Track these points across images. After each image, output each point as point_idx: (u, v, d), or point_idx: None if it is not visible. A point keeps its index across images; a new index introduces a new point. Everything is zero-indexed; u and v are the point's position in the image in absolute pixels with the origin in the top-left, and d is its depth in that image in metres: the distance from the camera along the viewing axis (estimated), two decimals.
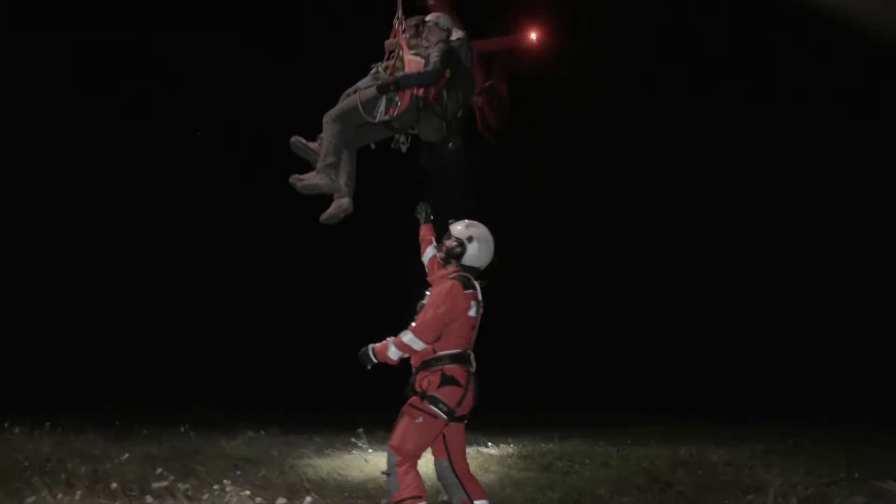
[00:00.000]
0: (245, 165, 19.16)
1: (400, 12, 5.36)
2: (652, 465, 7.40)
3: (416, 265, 5.02)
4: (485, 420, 6.20)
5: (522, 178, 19.46)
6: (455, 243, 4.36)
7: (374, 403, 7.73)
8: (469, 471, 4.31)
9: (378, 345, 4.26)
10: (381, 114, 4.95)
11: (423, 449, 4.15)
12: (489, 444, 9.61)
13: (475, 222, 4.46)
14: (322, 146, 4.98)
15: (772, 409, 14.25)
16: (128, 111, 18.97)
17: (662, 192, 20.47)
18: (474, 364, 4.28)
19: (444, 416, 4.07)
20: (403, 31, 5.29)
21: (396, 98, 4.92)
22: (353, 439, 8.92)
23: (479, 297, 4.29)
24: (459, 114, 5.14)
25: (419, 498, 3.95)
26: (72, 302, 17.96)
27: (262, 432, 9.45)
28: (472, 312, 4.22)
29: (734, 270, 20.36)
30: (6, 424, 7.55)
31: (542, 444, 9.02)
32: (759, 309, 19.68)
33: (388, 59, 5.31)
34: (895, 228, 17.29)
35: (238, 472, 6.26)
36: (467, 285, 4.22)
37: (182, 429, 8.93)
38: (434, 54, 4.95)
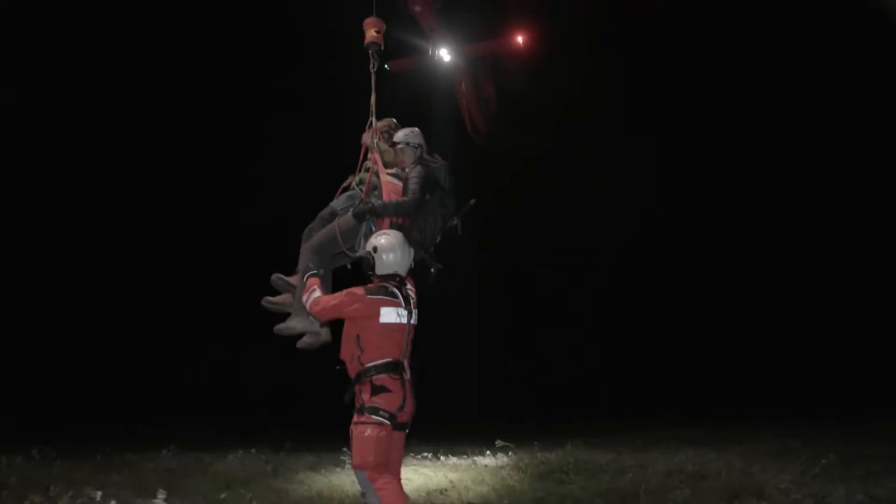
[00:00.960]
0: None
1: (373, 119, 5.37)
2: (645, 475, 7.33)
3: None
4: (480, 429, 6.09)
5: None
6: (366, 257, 4.54)
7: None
8: (400, 483, 4.35)
9: (315, 292, 4.46)
10: (360, 245, 4.88)
11: (385, 457, 4.21)
12: (487, 452, 9.56)
13: (385, 231, 4.62)
14: (299, 279, 4.93)
15: (759, 409, 14.29)
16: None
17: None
18: (408, 371, 4.36)
19: (388, 422, 4.20)
20: (378, 141, 5.26)
21: (374, 226, 4.87)
22: (341, 457, 8.79)
23: (405, 303, 4.40)
24: (438, 238, 5.04)
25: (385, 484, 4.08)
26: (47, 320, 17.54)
27: (253, 451, 9.24)
28: (387, 319, 4.31)
29: (718, 270, 20.38)
30: None
31: (539, 454, 8.91)
32: (746, 307, 19.75)
33: (363, 159, 5.34)
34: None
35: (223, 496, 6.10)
36: (379, 293, 4.35)
37: (166, 451, 8.72)
38: (413, 182, 4.84)
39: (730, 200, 20.18)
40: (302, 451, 9.70)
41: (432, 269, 4.88)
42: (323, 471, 8.19)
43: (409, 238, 4.68)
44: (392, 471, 4.29)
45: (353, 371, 4.35)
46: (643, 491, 6.53)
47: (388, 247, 4.46)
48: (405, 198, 4.78)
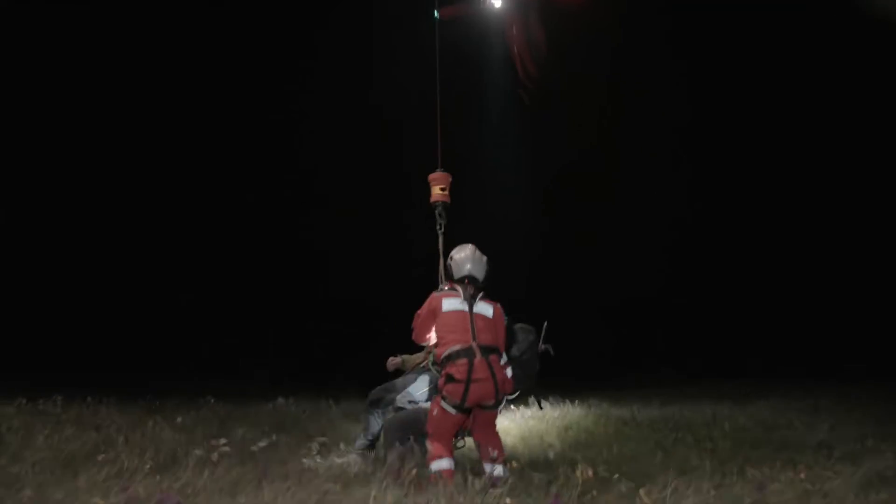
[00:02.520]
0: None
1: (442, 273, 5.62)
2: (682, 424, 7.38)
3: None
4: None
5: None
6: (446, 267, 5.25)
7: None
8: (487, 443, 4.88)
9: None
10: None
11: (445, 432, 4.77)
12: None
13: (461, 245, 5.22)
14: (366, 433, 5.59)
15: (790, 371, 14.27)
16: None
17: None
18: (478, 354, 4.73)
19: (452, 410, 4.72)
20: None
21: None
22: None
23: (465, 295, 4.96)
24: (538, 367, 5.36)
25: (440, 457, 4.66)
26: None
27: (291, 399, 9.41)
28: (449, 306, 4.90)
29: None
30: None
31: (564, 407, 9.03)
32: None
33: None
34: None
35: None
36: (448, 291, 5.01)
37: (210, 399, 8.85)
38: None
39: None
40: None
41: (539, 403, 5.46)
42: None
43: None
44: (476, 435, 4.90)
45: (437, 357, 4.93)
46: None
47: (459, 257, 5.10)
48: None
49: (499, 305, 5.10)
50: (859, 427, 7.04)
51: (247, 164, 20.36)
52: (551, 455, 5.97)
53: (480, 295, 5.03)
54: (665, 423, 7.84)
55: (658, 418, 8.45)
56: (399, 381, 5.73)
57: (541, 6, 6.87)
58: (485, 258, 5.12)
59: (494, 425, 5.03)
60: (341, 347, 18.39)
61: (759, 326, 19.18)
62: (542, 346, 5.42)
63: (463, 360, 4.73)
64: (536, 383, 5.49)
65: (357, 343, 17.71)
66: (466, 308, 4.92)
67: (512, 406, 6.30)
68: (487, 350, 4.83)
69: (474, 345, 4.78)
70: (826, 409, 8.64)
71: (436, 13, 6.64)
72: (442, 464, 4.65)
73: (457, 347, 4.79)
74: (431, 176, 5.78)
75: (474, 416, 4.93)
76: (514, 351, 5.30)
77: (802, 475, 4.46)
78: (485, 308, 4.97)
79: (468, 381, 4.69)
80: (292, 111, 19.60)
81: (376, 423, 5.72)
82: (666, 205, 21.48)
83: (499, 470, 4.78)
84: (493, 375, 4.75)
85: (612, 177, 21.17)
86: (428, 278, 5.79)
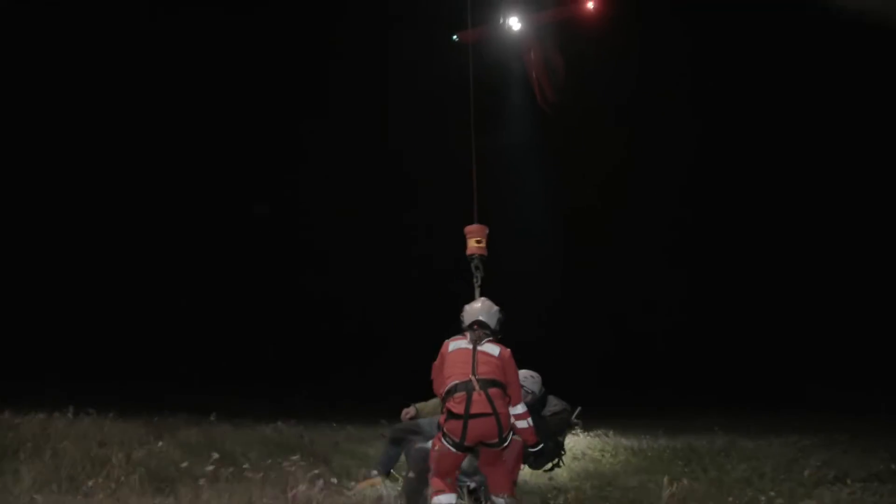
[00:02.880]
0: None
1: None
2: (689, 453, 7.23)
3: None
4: None
5: None
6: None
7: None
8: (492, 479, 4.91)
9: None
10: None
11: (445, 469, 4.75)
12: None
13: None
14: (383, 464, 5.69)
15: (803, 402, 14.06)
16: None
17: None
18: (476, 387, 4.68)
19: (452, 448, 4.68)
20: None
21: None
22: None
23: (471, 337, 4.99)
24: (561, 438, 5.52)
25: (440, 492, 4.68)
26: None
27: (293, 421, 9.26)
28: (454, 347, 4.96)
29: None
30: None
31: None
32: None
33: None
34: None
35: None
36: (456, 336, 5.07)
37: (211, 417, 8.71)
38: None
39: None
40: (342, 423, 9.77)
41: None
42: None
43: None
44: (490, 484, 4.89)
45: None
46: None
47: (472, 305, 5.24)
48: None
49: (508, 350, 4.98)
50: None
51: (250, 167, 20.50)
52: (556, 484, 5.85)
53: (489, 339, 5.00)
54: (674, 453, 7.70)
55: (665, 448, 8.30)
56: (425, 423, 5.67)
57: (558, 31, 6.87)
58: (496, 308, 5.16)
59: (502, 463, 4.88)
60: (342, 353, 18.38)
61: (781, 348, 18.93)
62: (574, 420, 5.54)
63: (461, 394, 4.66)
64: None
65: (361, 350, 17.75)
66: (471, 347, 4.91)
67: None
68: (487, 383, 4.70)
69: (473, 378, 4.71)
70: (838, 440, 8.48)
71: (454, 37, 6.64)
72: (441, 499, 4.63)
73: (455, 381, 4.74)
74: (468, 228, 5.78)
75: (481, 452, 4.84)
76: (545, 411, 5.44)
77: None
78: (491, 348, 4.92)
79: (466, 417, 4.59)
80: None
81: (395, 456, 5.72)
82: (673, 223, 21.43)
83: (498, 499, 4.74)
84: (495, 410, 4.63)
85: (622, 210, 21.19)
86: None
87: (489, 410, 4.61)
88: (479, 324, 5.06)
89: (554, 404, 5.47)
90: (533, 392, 5.50)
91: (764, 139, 20.73)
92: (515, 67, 7.35)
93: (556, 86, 6.85)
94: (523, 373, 5.41)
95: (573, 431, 5.52)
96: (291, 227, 20.63)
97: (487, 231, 5.81)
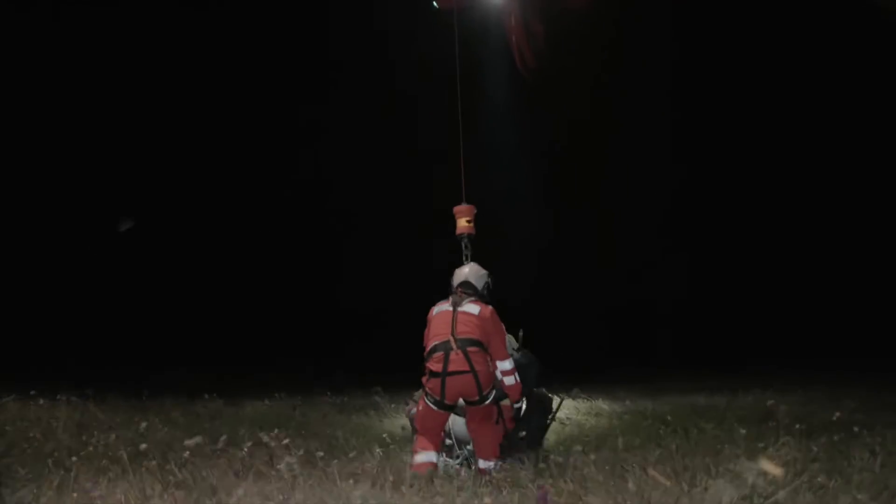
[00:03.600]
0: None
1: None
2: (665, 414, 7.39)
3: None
4: None
5: None
6: None
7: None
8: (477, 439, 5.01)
9: None
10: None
11: (429, 428, 4.92)
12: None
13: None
14: None
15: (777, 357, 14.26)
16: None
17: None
18: (454, 346, 4.80)
19: (434, 406, 4.82)
20: None
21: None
22: (375, 397, 9.06)
23: (453, 300, 5.11)
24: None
25: (422, 450, 4.84)
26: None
27: (277, 395, 9.30)
28: (437, 310, 5.08)
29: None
30: (32, 393, 7.36)
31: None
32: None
33: None
34: None
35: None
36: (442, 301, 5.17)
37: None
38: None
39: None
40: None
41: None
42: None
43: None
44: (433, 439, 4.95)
45: None
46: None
47: (460, 269, 5.34)
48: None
49: (490, 308, 5.07)
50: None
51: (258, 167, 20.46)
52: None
53: (472, 299, 5.09)
54: (663, 416, 7.78)
55: (653, 411, 8.40)
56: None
57: None
58: (484, 272, 5.31)
59: (488, 421, 4.98)
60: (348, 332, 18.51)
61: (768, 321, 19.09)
62: (516, 346, 5.60)
63: (439, 354, 4.80)
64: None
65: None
66: (451, 308, 5.03)
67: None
68: (466, 342, 4.82)
69: (452, 338, 4.83)
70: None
71: (434, 3, 6.53)
72: (420, 457, 4.77)
73: (435, 342, 4.87)
74: (457, 208, 5.91)
75: (467, 411, 4.96)
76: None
77: None
78: (471, 307, 5.01)
79: (444, 375, 4.73)
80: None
81: None
82: (662, 201, 21.41)
83: (485, 463, 4.80)
84: (472, 368, 4.74)
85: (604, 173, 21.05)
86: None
87: (466, 368, 4.76)
88: (465, 285, 5.20)
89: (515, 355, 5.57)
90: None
91: (751, 111, 20.49)
92: (495, 33, 7.26)
93: (535, 51, 6.78)
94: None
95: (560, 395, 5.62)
96: (284, 205, 20.58)
97: (475, 211, 5.95)
